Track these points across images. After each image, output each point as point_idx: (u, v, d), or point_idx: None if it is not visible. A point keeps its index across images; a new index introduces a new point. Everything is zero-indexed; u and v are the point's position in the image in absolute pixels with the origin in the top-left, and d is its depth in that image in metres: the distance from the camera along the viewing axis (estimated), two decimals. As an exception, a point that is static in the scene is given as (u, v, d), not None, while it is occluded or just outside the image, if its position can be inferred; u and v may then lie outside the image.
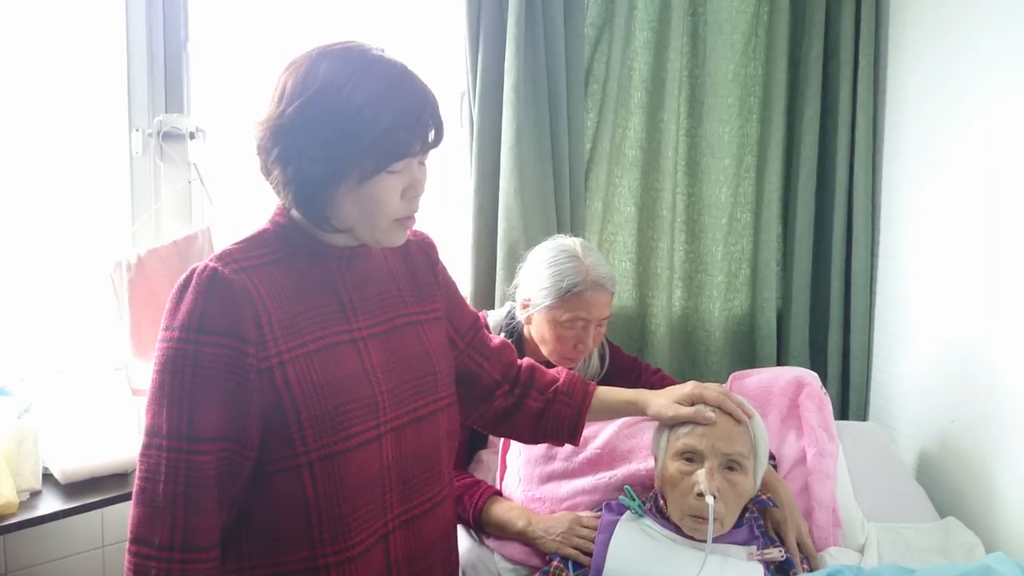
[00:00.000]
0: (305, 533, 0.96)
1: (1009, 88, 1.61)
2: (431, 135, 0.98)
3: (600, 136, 2.05)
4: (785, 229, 2.23)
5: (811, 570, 1.31)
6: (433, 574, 1.09)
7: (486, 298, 2.01)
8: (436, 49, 2.03)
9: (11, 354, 1.72)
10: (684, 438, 1.24)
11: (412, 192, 1.00)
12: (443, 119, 1.00)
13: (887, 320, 2.08)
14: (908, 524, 1.54)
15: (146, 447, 0.92)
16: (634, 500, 1.30)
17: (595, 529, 1.30)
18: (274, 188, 1.00)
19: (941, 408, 1.82)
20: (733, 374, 1.73)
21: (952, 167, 1.79)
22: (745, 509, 1.28)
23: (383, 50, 0.98)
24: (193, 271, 0.94)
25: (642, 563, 1.21)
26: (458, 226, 2.04)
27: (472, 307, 1.28)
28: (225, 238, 1.02)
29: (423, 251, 1.18)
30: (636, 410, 1.30)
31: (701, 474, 1.20)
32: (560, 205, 1.98)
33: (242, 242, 1.00)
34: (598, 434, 1.46)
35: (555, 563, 1.29)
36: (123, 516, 0.94)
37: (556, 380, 1.29)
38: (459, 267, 1.99)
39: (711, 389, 1.28)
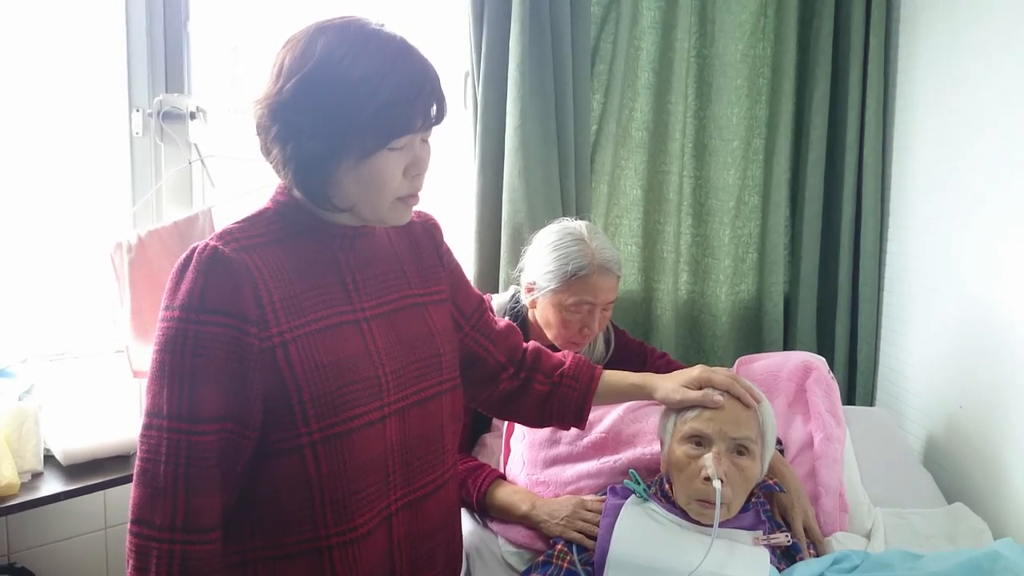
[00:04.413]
0: (308, 514, 0.95)
1: (1024, 68, 1.58)
2: (433, 110, 0.96)
3: (606, 118, 2.03)
4: (793, 213, 2.20)
5: (817, 555, 1.30)
6: (436, 556, 1.08)
7: (490, 281, 1.99)
8: (440, 28, 2.00)
9: (12, 335, 1.71)
10: (691, 422, 1.23)
11: (415, 170, 0.98)
12: (445, 94, 0.98)
13: (895, 305, 2.06)
14: (915, 509, 1.53)
15: (147, 427, 0.91)
16: (639, 484, 1.29)
17: (599, 513, 1.29)
18: (274, 167, 0.98)
19: (949, 394, 1.80)
20: (740, 359, 1.72)
21: (964, 150, 1.77)
22: (752, 494, 1.27)
23: (382, 24, 0.96)
24: (193, 250, 0.92)
25: (647, 547, 1.20)
26: (462, 209, 2.02)
27: (477, 290, 1.26)
28: (226, 219, 1.01)
29: (428, 233, 1.16)
30: (643, 394, 1.29)
31: (708, 458, 1.19)
32: (565, 188, 1.96)
33: (243, 221, 0.99)
34: (603, 418, 1.45)
35: (559, 547, 1.29)
36: (125, 498, 0.94)
37: (562, 363, 1.28)
38: (463, 250, 1.97)
39: (719, 373, 1.27)
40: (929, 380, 1.89)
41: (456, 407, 1.12)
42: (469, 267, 1.99)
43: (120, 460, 1.55)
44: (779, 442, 1.50)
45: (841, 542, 1.38)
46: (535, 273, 1.56)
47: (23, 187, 1.72)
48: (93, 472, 1.50)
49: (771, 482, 1.32)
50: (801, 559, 1.26)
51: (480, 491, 1.42)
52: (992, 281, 1.66)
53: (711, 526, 1.17)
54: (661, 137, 2.08)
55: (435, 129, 1.00)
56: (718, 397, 1.23)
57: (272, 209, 1.00)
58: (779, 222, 2.14)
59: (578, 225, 1.57)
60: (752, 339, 2.22)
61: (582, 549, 1.27)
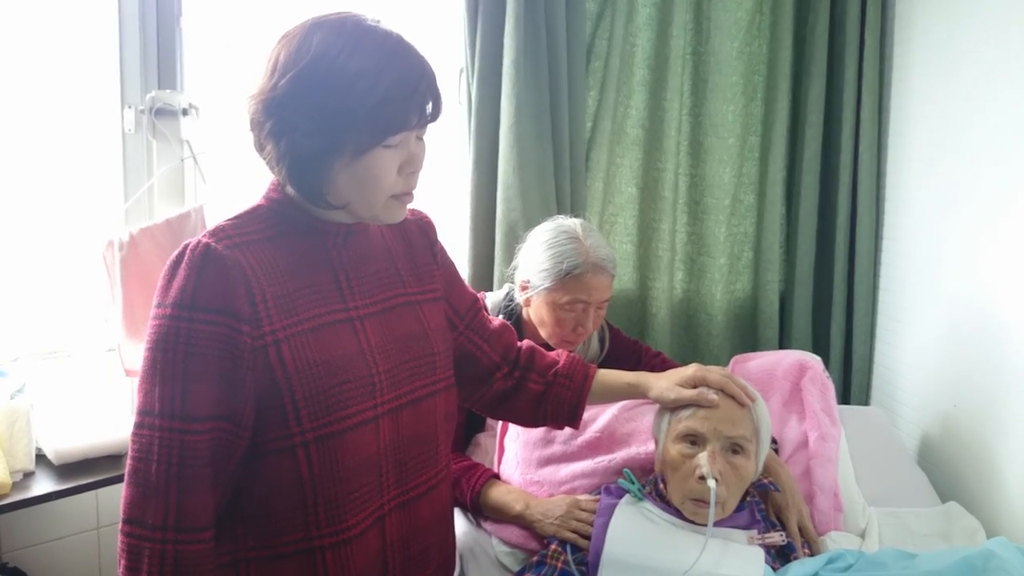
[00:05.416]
0: (300, 514, 0.95)
1: (1020, 68, 1.57)
2: (428, 108, 0.96)
3: (601, 115, 2.02)
4: (789, 211, 2.20)
5: (812, 554, 1.30)
6: (429, 556, 1.08)
7: (484, 279, 1.98)
8: (434, 24, 1.99)
9: (4, 334, 1.70)
10: (686, 421, 1.23)
11: (410, 168, 0.97)
12: (441, 91, 0.97)
13: (890, 304, 2.06)
14: (909, 509, 1.53)
15: (139, 426, 0.90)
16: (634, 483, 1.28)
17: (594, 512, 1.29)
18: (268, 163, 0.98)
19: (943, 393, 1.80)
20: (735, 357, 1.72)
21: (959, 148, 1.76)
22: (746, 493, 1.27)
23: (378, 20, 0.96)
24: (186, 247, 0.92)
25: (641, 547, 1.20)
26: (456, 206, 2.01)
27: (471, 288, 1.26)
28: (218, 216, 1.00)
29: (422, 231, 1.16)
30: (637, 393, 1.28)
31: (703, 457, 1.19)
32: (560, 185, 1.96)
33: (236, 218, 0.98)
34: (597, 417, 1.44)
35: (553, 546, 1.28)
36: (117, 497, 0.93)
37: (556, 362, 1.27)
38: (457, 248, 1.96)
39: (714, 372, 1.26)
40: (924, 379, 1.89)
41: (450, 407, 1.11)
42: (463, 265, 1.98)
43: (112, 459, 1.54)
44: (774, 441, 1.49)
45: (836, 541, 1.38)
46: (529, 271, 1.55)
47: (14, 184, 1.71)
48: (85, 471, 1.49)
49: (766, 481, 1.32)
50: (796, 558, 1.26)
51: (474, 491, 1.42)
52: (987, 281, 1.66)
53: (706, 525, 1.17)
54: (656, 134, 2.08)
55: (430, 126, 0.99)
56: (713, 396, 1.22)
57: (265, 206, 1.00)
58: (775, 220, 2.14)
59: (573, 223, 1.57)
60: (747, 338, 2.22)
61: (576, 549, 1.27)
